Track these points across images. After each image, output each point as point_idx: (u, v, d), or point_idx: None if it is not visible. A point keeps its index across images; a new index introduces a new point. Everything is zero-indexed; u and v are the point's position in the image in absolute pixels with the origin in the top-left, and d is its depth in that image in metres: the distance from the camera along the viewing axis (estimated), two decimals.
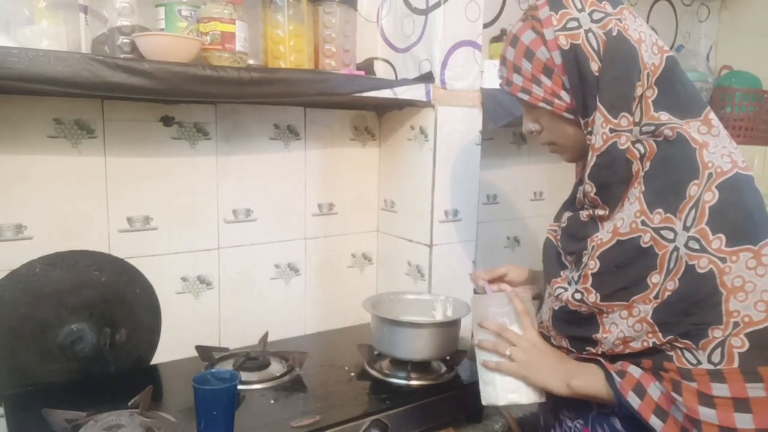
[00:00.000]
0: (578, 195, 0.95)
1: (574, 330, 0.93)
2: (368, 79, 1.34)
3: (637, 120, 0.85)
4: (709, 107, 0.88)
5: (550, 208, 1.67)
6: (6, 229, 1.18)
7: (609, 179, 0.87)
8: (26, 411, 1.08)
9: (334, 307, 1.65)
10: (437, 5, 1.40)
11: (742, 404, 0.75)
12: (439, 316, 1.38)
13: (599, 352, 0.90)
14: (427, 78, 1.44)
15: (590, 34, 0.84)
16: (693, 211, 0.79)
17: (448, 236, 1.51)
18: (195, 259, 1.40)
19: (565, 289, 0.93)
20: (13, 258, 1.17)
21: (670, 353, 0.82)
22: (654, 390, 0.82)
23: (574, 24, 0.85)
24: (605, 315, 0.87)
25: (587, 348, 0.91)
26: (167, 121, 1.32)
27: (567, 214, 0.99)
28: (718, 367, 0.76)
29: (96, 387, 1.21)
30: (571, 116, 0.90)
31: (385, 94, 1.34)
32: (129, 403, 1.06)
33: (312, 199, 1.58)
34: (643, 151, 0.86)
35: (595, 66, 0.84)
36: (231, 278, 1.46)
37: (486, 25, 1.69)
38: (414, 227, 1.54)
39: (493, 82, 1.54)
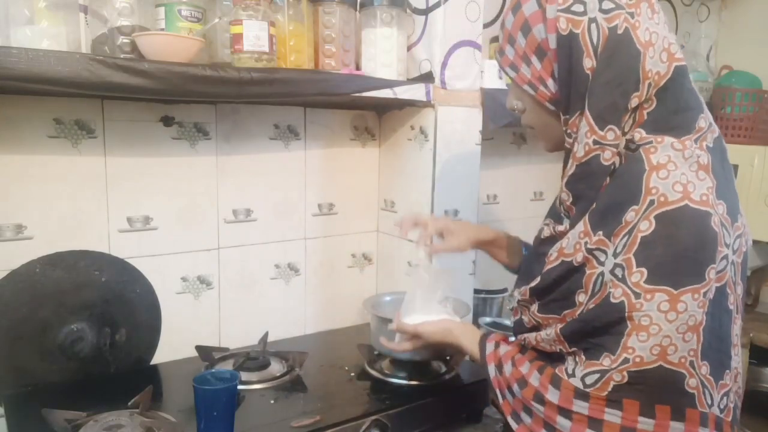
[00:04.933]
0: (556, 201, 0.91)
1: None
2: (368, 79, 1.34)
3: (626, 130, 0.78)
4: (700, 126, 0.79)
5: None
6: (6, 229, 1.18)
7: (585, 192, 0.82)
8: (26, 411, 1.08)
9: (334, 307, 1.65)
10: (437, 5, 1.40)
11: (595, 424, 0.75)
12: None
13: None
14: (427, 78, 1.44)
15: (593, 25, 0.76)
16: (626, 238, 0.74)
17: None
18: (195, 259, 1.40)
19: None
20: (13, 258, 1.17)
21: (568, 358, 0.82)
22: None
23: (580, 8, 0.77)
24: (544, 328, 0.88)
25: None
26: (167, 121, 1.32)
27: (544, 223, 0.96)
28: (587, 390, 0.76)
29: (96, 387, 1.21)
30: (552, 107, 0.84)
31: (385, 94, 1.34)
32: (129, 403, 1.06)
33: (312, 199, 1.58)
34: (617, 164, 0.79)
35: (588, 63, 0.77)
36: (231, 278, 1.46)
37: (486, 25, 1.69)
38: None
39: (493, 82, 1.54)
